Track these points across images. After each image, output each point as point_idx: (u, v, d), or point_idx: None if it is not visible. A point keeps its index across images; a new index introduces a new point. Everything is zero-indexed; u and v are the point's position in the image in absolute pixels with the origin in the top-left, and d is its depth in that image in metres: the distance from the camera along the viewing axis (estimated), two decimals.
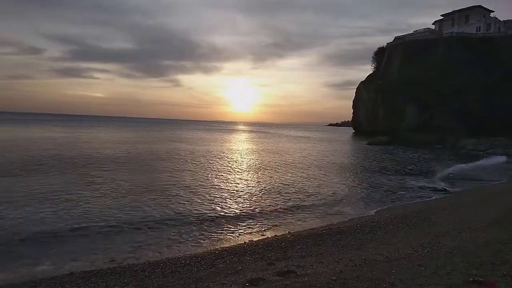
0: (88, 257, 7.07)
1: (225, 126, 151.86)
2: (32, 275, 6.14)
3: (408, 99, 60.78)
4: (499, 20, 63.93)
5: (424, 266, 4.96)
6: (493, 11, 66.71)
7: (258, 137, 66.10)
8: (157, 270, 6.11)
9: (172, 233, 8.73)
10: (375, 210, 11.79)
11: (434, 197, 14.35)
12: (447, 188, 16.30)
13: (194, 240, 8.30)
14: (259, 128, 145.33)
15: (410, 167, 24.62)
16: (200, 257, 6.83)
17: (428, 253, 5.85)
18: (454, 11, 68.96)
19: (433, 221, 9.31)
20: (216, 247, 7.72)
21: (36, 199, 11.25)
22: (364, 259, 5.59)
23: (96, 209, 10.51)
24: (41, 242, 7.75)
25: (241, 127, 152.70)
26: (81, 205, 10.79)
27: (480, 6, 65.96)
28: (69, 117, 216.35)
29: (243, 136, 66.93)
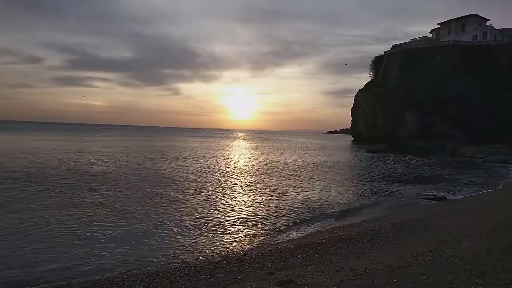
0: (86, 267, 6.99)
1: (225, 134, 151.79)
2: (27, 286, 6.06)
3: (407, 106, 61.16)
4: (495, 28, 64.71)
5: (426, 275, 4.92)
6: (489, 20, 67.59)
7: (258, 144, 66.06)
8: (155, 280, 6.04)
9: (171, 243, 8.66)
10: (375, 218, 11.73)
11: (434, 205, 14.30)
12: (446, 196, 16.27)
13: (192, 249, 8.22)
14: (259, 135, 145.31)
15: (409, 175, 24.62)
16: (199, 266, 6.76)
17: (429, 261, 5.81)
18: (451, 19, 69.81)
19: (434, 229, 9.26)
20: (215, 257, 7.65)
21: (36, 206, 11.18)
22: (365, 268, 5.54)
23: (92, 218, 10.44)
24: (35, 252, 7.66)
25: (241, 134, 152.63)
26: (77, 213, 10.72)
27: (476, 15, 66.83)
28: (70, 125, 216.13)
29: (243, 143, 66.88)
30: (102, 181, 16.86)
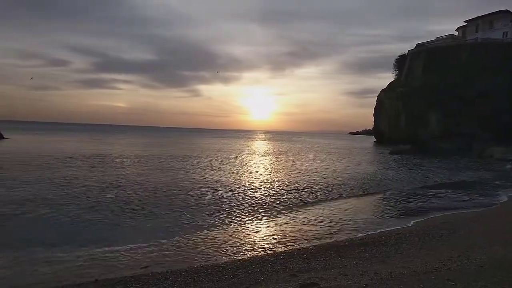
0: (112, 264, 7.20)
1: (247, 135, 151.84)
2: (57, 281, 6.29)
3: (432, 106, 59.39)
4: None
5: (454, 281, 4.78)
6: None
7: (284, 146, 65.89)
8: (179, 279, 6.14)
9: (195, 242, 8.79)
10: (399, 222, 11.47)
11: (461, 208, 13.83)
12: (475, 199, 15.69)
13: (216, 249, 8.31)
14: (280, 136, 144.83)
15: (434, 177, 23.90)
16: (222, 266, 6.82)
17: (458, 267, 5.63)
18: (478, 16, 67.24)
19: (461, 233, 8.97)
20: (238, 257, 7.70)
21: (62, 204, 11.61)
22: (390, 272, 5.43)
23: (117, 217, 10.73)
24: (64, 249, 7.96)
25: (263, 136, 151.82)
26: (102, 212, 11.05)
27: (506, 11, 64.02)
28: (96, 126, 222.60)
29: (270, 146, 66.87)
30: (132, 181, 17.28)
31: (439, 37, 70.65)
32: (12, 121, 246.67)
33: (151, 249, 8.16)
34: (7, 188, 14.27)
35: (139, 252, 7.93)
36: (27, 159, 24.14)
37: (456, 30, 73.23)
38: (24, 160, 23.51)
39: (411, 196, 16.40)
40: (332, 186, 18.03)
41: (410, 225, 10.77)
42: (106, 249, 8.04)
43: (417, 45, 73.05)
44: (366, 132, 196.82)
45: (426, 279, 4.97)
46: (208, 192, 15.21)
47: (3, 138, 45.81)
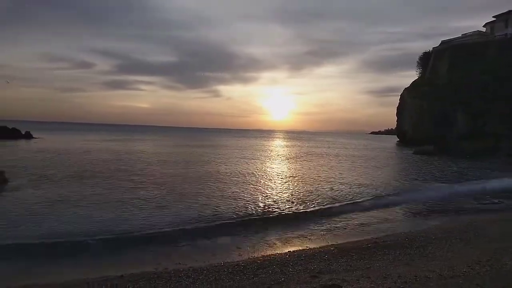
0: (136, 261, 7.37)
1: (268, 135, 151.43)
2: (84, 276, 6.49)
3: (457, 105, 57.45)
4: None
5: (484, 286, 4.60)
6: None
7: (303, 145, 65.53)
8: (201, 277, 6.20)
9: (216, 240, 8.89)
10: (425, 224, 11.16)
11: (490, 211, 13.30)
12: (505, 202, 15.05)
13: (236, 248, 8.37)
14: (300, 136, 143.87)
15: (461, 178, 23.09)
16: (243, 265, 6.84)
17: (487, 272, 5.42)
18: (509, 11, 64.49)
19: (490, 237, 8.63)
20: (258, 257, 7.70)
21: (88, 204, 11.98)
22: (415, 276, 5.29)
23: (142, 215, 10.96)
24: (89, 246, 8.21)
25: (285, 136, 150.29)
26: (126, 210, 11.32)
27: None
28: (122, 127, 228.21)
29: (286, 144, 66.70)
30: (156, 180, 17.62)
31: (465, 33, 68.27)
32: (40, 121, 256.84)
33: (173, 247, 8.31)
34: (35, 186, 14.85)
35: (162, 249, 8.10)
36: (55, 158, 25.08)
37: (484, 26, 70.57)
38: (52, 159, 24.42)
39: (437, 198, 15.90)
40: (354, 187, 17.75)
41: (436, 227, 10.46)
42: (130, 246, 8.24)
43: (442, 42, 70.88)
44: (388, 132, 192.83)
45: (453, 283, 4.81)
46: (230, 192, 15.31)
47: (33, 137, 47.80)
